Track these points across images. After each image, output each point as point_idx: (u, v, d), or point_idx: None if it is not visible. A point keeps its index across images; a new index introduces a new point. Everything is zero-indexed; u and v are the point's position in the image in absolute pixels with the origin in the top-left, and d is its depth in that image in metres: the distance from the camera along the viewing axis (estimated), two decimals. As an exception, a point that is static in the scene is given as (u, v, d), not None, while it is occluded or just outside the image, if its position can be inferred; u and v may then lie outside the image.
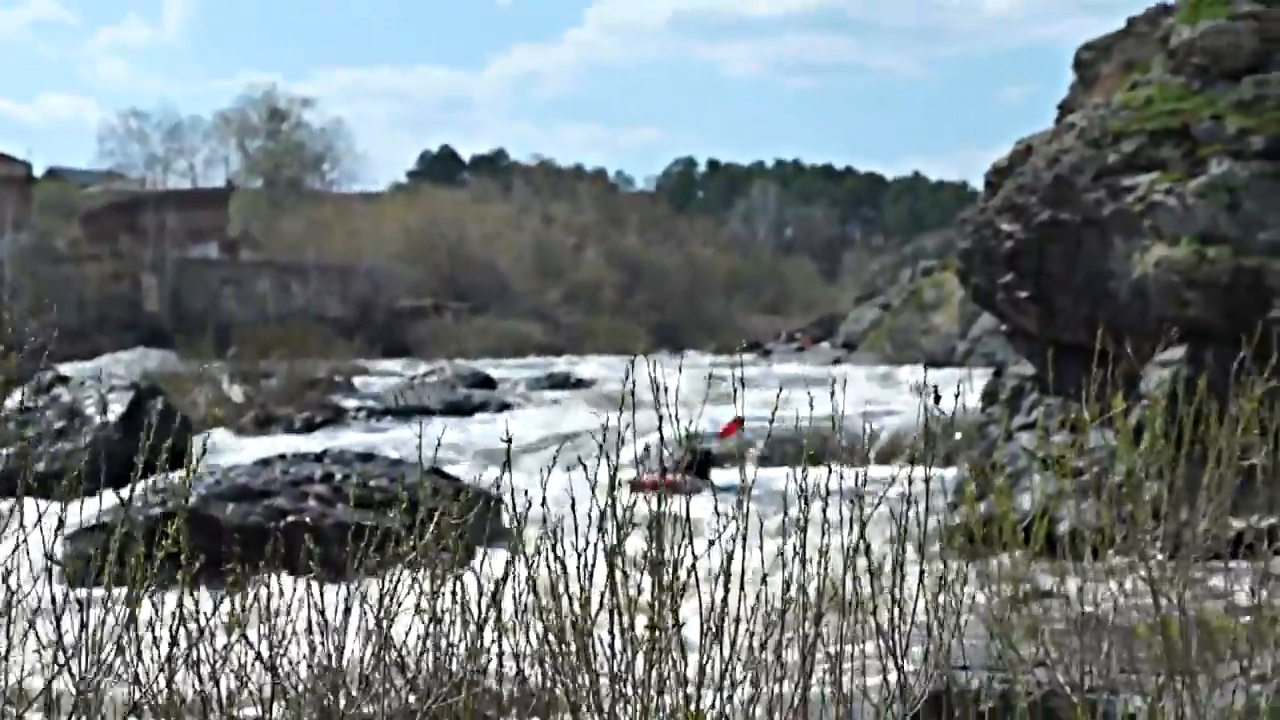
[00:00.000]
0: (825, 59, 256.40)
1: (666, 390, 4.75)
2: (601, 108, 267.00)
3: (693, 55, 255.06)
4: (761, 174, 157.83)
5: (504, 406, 41.06)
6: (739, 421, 10.04)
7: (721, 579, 4.49)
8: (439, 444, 5.96)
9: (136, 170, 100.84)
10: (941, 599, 4.75)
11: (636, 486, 4.66)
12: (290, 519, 16.90)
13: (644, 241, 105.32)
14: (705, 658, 4.47)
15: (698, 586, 4.51)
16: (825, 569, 4.61)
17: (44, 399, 24.58)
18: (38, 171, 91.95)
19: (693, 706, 4.42)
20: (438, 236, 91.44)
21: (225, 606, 4.71)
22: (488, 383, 47.74)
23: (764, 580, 4.61)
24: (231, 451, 27.70)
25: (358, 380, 47.77)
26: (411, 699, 4.64)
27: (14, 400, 4.40)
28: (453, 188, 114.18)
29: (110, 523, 4.51)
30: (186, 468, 4.67)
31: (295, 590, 4.87)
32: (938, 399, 4.87)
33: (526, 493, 4.78)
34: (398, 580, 4.70)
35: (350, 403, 41.51)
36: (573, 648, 4.51)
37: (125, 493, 4.56)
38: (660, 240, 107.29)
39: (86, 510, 4.77)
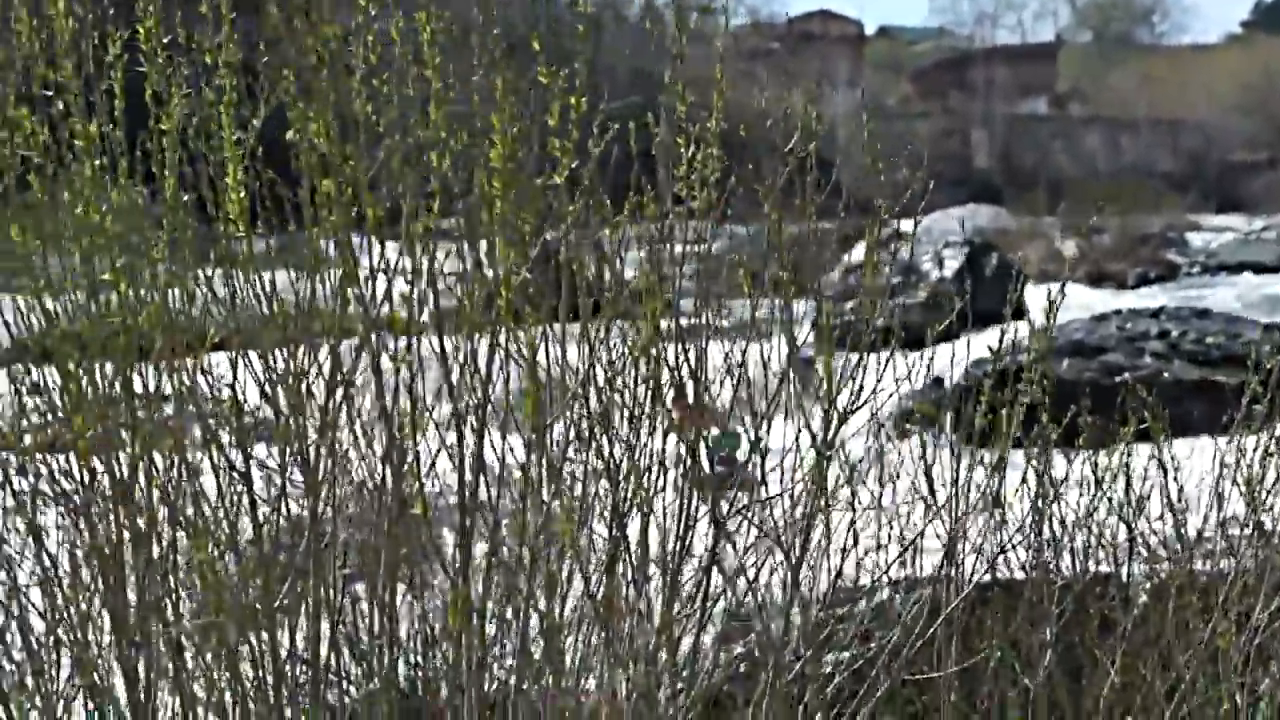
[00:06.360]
0: None
1: None
2: None
3: None
4: None
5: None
6: None
7: None
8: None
9: (965, 27, 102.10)
10: None
11: None
12: (1126, 375, 16.69)
13: None
14: None
15: None
16: None
17: (884, 255, 25.15)
18: (869, 30, 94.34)
19: None
20: (1273, 88, 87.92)
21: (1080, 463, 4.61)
22: (1344, 237, 45.40)
23: None
24: (1065, 308, 27.57)
25: (1191, 236, 46.64)
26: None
27: (857, 254, 4.43)
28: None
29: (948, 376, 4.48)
30: (1029, 322, 4.59)
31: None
32: None
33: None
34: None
35: (1182, 259, 40.61)
36: None
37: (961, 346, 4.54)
38: None
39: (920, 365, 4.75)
